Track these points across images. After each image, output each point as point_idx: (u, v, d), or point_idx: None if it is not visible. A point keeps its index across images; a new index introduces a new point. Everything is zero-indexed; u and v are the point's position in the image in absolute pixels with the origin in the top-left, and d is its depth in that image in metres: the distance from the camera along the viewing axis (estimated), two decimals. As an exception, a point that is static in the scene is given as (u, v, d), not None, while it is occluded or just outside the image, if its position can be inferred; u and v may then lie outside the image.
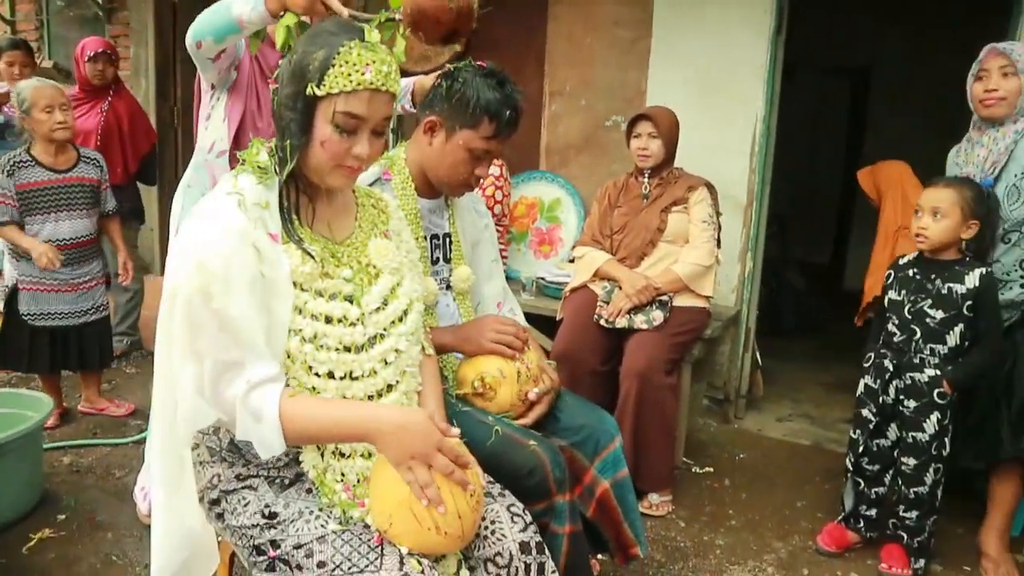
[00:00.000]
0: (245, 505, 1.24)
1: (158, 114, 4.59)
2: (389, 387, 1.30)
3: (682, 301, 2.64)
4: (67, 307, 2.85)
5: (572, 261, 3.04)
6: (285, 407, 1.15)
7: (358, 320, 1.25)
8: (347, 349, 1.24)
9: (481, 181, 1.69)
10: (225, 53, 2.00)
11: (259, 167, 1.23)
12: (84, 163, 2.88)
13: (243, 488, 1.26)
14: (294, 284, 1.20)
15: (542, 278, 3.30)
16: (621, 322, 2.58)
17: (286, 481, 1.26)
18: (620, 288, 2.63)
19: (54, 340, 2.87)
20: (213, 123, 2.16)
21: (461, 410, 1.58)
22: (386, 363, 1.29)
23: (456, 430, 1.18)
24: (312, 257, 1.21)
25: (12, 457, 2.27)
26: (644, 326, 2.55)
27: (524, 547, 1.27)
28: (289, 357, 1.20)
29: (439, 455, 1.14)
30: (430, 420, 1.15)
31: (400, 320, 1.32)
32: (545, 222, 3.61)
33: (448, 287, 1.80)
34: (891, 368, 2.19)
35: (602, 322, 2.60)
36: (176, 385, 1.17)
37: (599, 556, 1.88)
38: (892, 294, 2.22)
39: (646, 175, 2.74)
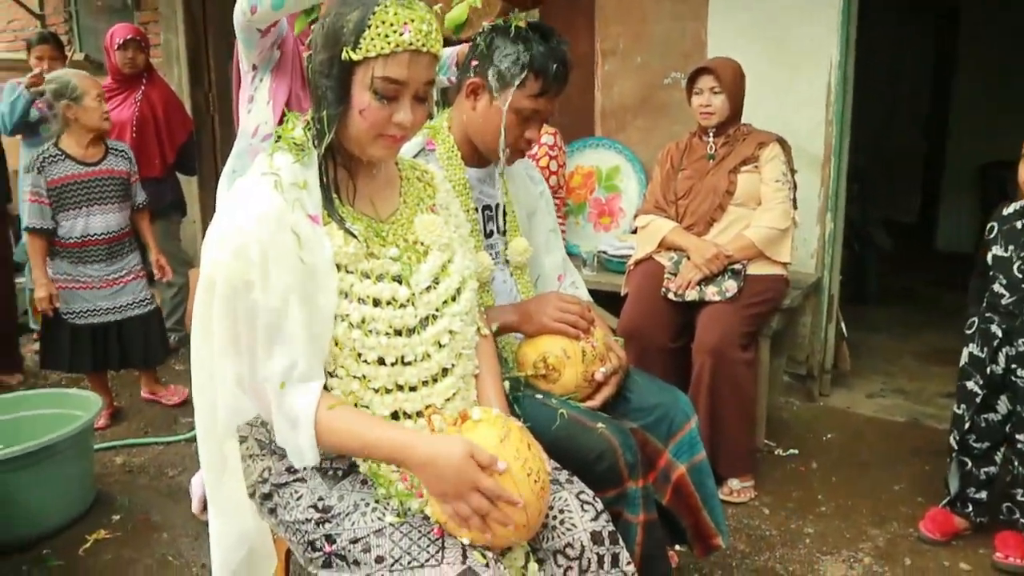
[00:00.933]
0: (298, 499, 1.25)
1: (193, 101, 4.68)
2: (444, 371, 1.30)
3: (757, 269, 2.61)
4: (105, 303, 2.95)
5: (635, 232, 3.05)
6: (323, 419, 1.17)
7: (408, 301, 1.25)
8: (398, 333, 1.24)
9: (533, 146, 1.68)
10: (274, 28, 2.02)
11: (295, 143, 1.23)
12: (113, 155, 2.96)
13: (295, 481, 1.27)
14: (337, 267, 1.20)
15: (603, 252, 3.29)
16: (691, 294, 2.56)
17: (339, 472, 1.27)
18: (688, 258, 2.62)
19: (95, 338, 2.96)
20: (257, 106, 2.17)
21: (523, 393, 1.58)
22: (440, 346, 1.29)
23: (503, 464, 1.15)
24: (355, 237, 1.22)
25: (63, 458, 2.36)
26: (716, 298, 2.53)
27: (596, 537, 1.26)
28: (337, 345, 1.21)
29: (475, 495, 1.12)
30: (467, 458, 1.13)
31: (453, 299, 1.32)
32: (604, 192, 3.59)
33: (504, 261, 1.80)
34: (1000, 334, 2.10)
35: (670, 295, 2.60)
36: (215, 377, 1.20)
37: (676, 547, 1.87)
38: (997, 250, 2.12)
39: (710, 134, 2.71)
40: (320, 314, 1.18)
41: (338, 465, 1.28)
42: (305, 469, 1.27)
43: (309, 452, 1.17)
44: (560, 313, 1.62)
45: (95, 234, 2.90)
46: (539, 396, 1.58)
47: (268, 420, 1.19)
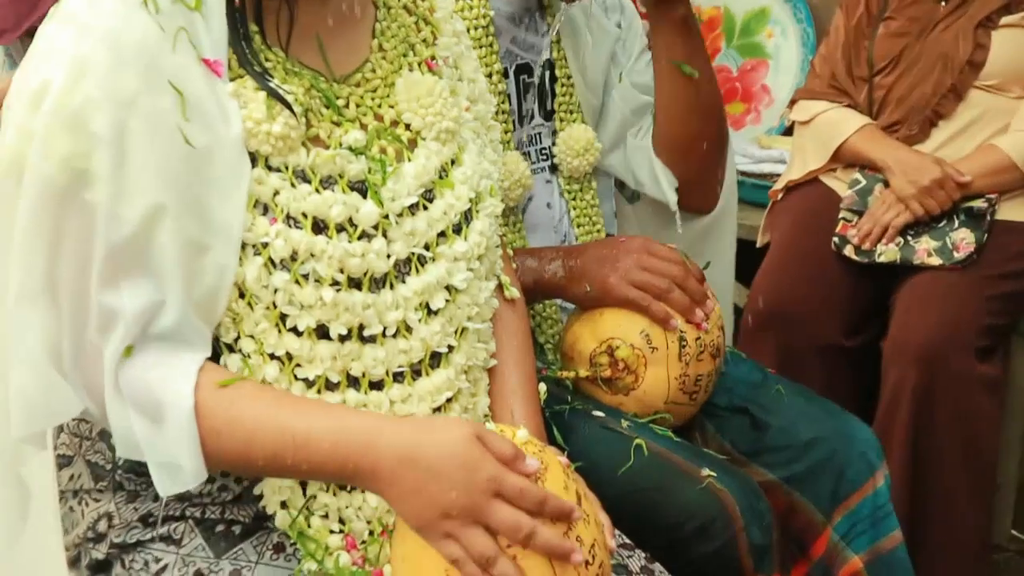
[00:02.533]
0: (158, 574, 1.27)
1: None
2: (435, 357, 1.33)
3: (1015, 212, 2.60)
4: None
5: (788, 131, 3.09)
6: (210, 404, 1.16)
7: (376, 228, 1.27)
8: (354, 283, 1.25)
9: None
10: None
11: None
12: None
13: (155, 541, 1.29)
14: (252, 158, 1.21)
15: None
16: (888, 252, 2.56)
17: (236, 528, 1.29)
18: (886, 184, 2.62)
19: None
20: None
21: (571, 407, 1.62)
22: (429, 312, 1.32)
23: (534, 462, 1.19)
24: (288, 107, 1.21)
25: None
26: (935, 261, 2.54)
27: None
28: (242, 297, 1.22)
29: (500, 505, 1.14)
30: (473, 439, 1.17)
31: (456, 231, 1.34)
32: (736, 55, 3.60)
33: (549, 167, 1.84)
34: None
35: (849, 252, 2.60)
36: (6, 344, 1.18)
37: None
38: None
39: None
40: (215, 239, 1.18)
41: (236, 514, 1.30)
42: (174, 520, 1.29)
43: (188, 460, 1.15)
44: (644, 274, 1.65)
45: None
46: (599, 413, 1.62)
47: (103, 419, 1.19)
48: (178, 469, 1.15)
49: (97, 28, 1.13)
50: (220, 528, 1.29)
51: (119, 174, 1.11)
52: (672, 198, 1.95)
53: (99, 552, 1.31)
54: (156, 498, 1.30)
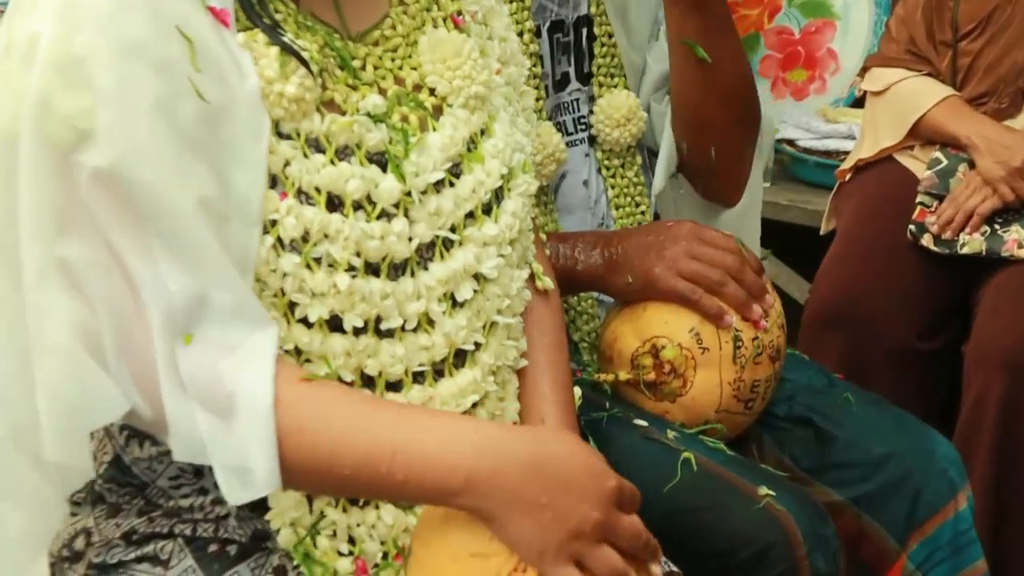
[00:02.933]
0: None
1: None
2: (460, 357, 1.33)
3: None
4: None
5: (859, 103, 3.09)
6: (288, 393, 1.15)
7: (397, 206, 1.27)
8: (372, 269, 1.26)
9: None
10: None
11: None
12: None
13: (140, 561, 1.28)
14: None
15: (790, 142, 3.34)
16: (972, 242, 2.57)
17: (231, 548, 1.28)
18: (971, 165, 2.63)
19: None
20: None
21: (610, 414, 1.63)
22: (454, 303, 1.32)
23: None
24: (305, 64, 1.22)
25: None
26: None
27: None
28: (257, 281, 1.21)
29: (624, 518, 1.17)
30: (591, 449, 1.22)
31: (485, 212, 1.35)
32: (799, 15, 3.63)
33: (587, 140, 1.85)
34: None
35: (927, 242, 2.61)
36: (31, 340, 1.18)
37: None
38: None
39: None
40: (233, 211, 1.18)
41: (231, 532, 1.29)
42: (161, 538, 1.28)
43: (263, 466, 1.13)
44: (695, 263, 1.65)
45: None
46: (641, 422, 1.63)
47: (156, 418, 1.17)
48: (248, 473, 1.13)
49: None
50: (213, 548, 1.27)
51: (129, 133, 1.11)
52: (661, 174, 1.93)
53: (75, 574, 1.30)
54: (140, 512, 1.30)
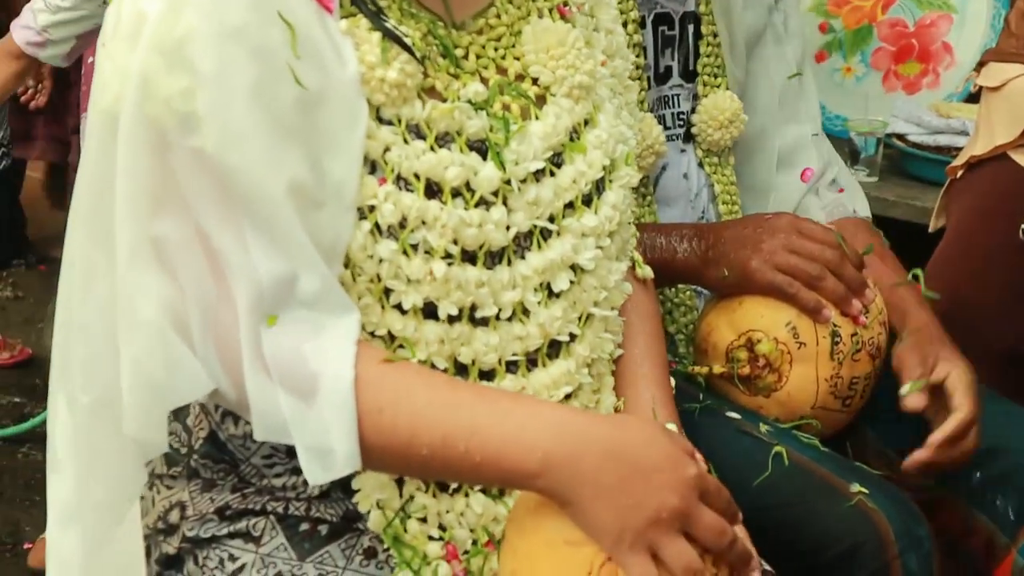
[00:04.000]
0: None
1: None
2: (554, 348, 1.34)
3: None
4: None
5: (973, 98, 3.06)
6: (369, 372, 1.17)
7: (496, 194, 1.28)
8: (468, 257, 1.26)
9: None
10: None
11: None
12: None
13: (232, 537, 1.30)
14: (367, 105, 1.23)
15: (900, 136, 3.27)
16: None
17: (323, 528, 1.30)
18: None
19: None
20: None
21: (704, 405, 1.62)
22: (550, 294, 1.33)
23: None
24: (409, 49, 1.23)
25: None
26: None
27: None
28: (347, 267, 1.23)
29: (705, 508, 1.16)
30: (673, 437, 1.21)
31: (586, 203, 1.35)
32: (913, 6, 3.55)
33: (686, 136, 1.85)
34: None
35: None
36: (121, 315, 1.18)
37: None
38: None
39: None
40: (328, 197, 1.19)
41: (322, 511, 1.31)
42: (254, 515, 1.30)
43: (343, 447, 1.15)
44: (793, 257, 1.64)
45: None
46: (734, 415, 1.63)
47: (239, 398, 1.19)
48: (329, 453, 1.15)
49: None
50: (305, 527, 1.29)
51: (226, 117, 1.13)
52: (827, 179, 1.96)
53: (170, 546, 1.32)
54: (234, 489, 1.33)
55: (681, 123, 1.84)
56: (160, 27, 1.12)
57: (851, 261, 1.67)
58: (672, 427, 1.35)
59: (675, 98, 1.82)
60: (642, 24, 1.75)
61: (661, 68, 1.77)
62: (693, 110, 1.83)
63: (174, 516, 1.33)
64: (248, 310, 1.15)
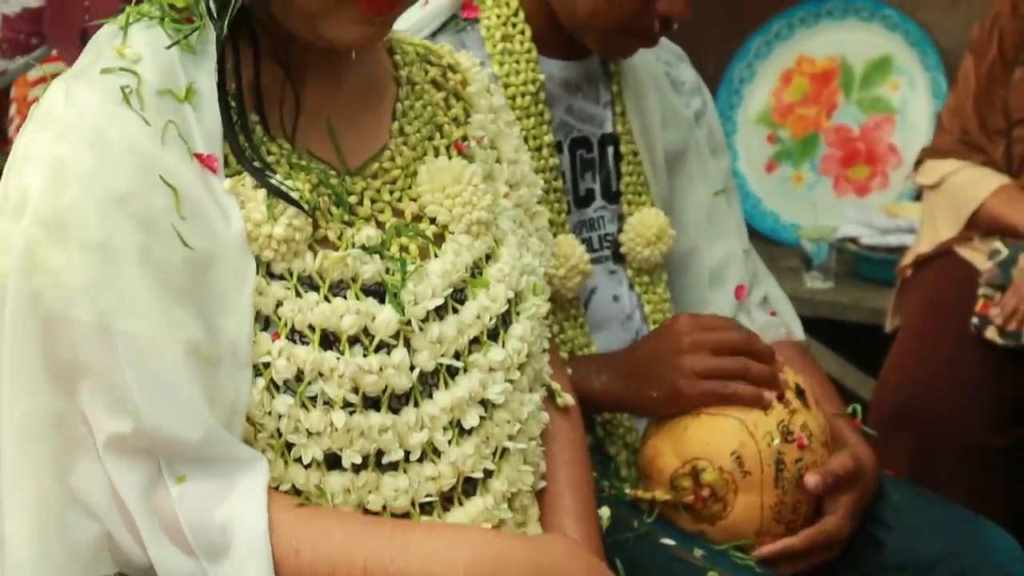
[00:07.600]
0: None
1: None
2: (470, 484, 1.33)
3: None
4: None
5: (918, 197, 3.12)
6: (283, 518, 1.17)
7: (397, 337, 1.27)
8: (371, 403, 1.26)
9: (672, 23, 1.73)
10: None
11: (172, 7, 1.25)
12: None
13: None
14: (256, 262, 1.23)
15: (851, 240, 3.35)
16: None
17: None
18: None
19: None
20: None
21: (638, 535, 1.61)
22: (461, 431, 1.32)
23: None
24: (296, 204, 1.23)
25: None
26: None
27: None
28: (248, 422, 1.22)
29: None
30: (591, 555, 1.22)
31: (492, 337, 1.35)
32: (858, 112, 3.61)
33: (613, 257, 1.86)
34: None
35: (992, 335, 2.56)
36: (5, 496, 1.17)
37: None
38: None
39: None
40: (224, 355, 1.19)
41: None
42: None
43: None
44: (710, 360, 1.65)
45: None
46: (668, 541, 1.61)
47: (142, 563, 1.18)
48: None
49: (76, 127, 1.15)
50: None
51: (116, 285, 1.13)
52: (758, 296, 1.99)
53: None
54: None
55: (608, 244, 1.84)
56: (43, 201, 1.13)
57: (765, 349, 1.69)
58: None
59: (600, 220, 1.82)
60: (559, 148, 1.76)
61: (582, 191, 1.78)
62: (620, 230, 1.84)
63: None
64: (146, 476, 1.15)
